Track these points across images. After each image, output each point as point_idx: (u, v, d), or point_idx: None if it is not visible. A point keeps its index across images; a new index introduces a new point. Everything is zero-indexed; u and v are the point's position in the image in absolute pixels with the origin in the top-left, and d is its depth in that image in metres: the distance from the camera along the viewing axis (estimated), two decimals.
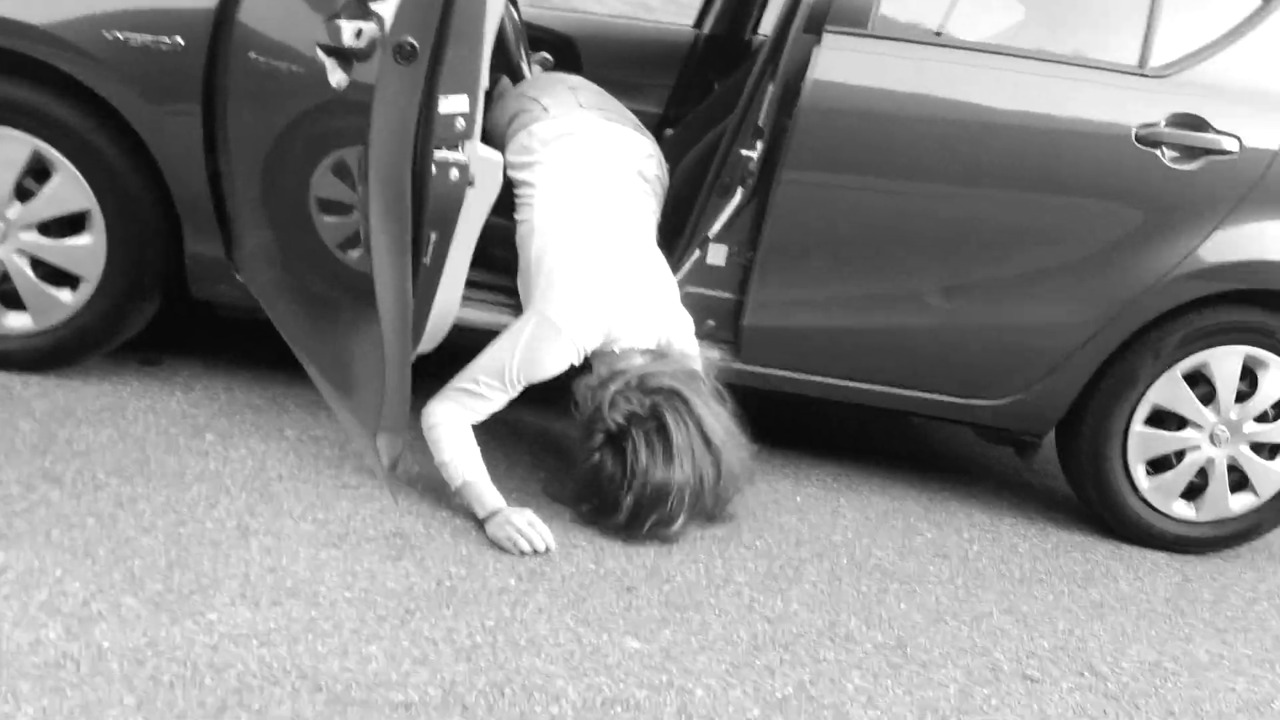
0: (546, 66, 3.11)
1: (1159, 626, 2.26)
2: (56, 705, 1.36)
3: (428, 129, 1.69)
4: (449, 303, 1.86)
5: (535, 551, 1.96)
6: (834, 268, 2.43)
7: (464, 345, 2.16)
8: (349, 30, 1.63)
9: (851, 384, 2.52)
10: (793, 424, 3.07)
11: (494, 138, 2.36)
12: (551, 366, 2.09)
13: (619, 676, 1.67)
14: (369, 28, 1.63)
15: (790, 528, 2.35)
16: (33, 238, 2.22)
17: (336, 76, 1.80)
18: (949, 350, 2.49)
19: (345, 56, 1.72)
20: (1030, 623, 2.15)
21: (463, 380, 2.06)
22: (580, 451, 2.08)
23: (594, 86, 2.59)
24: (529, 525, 1.98)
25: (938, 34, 2.45)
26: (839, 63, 2.28)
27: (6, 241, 2.21)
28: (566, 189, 2.25)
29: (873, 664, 1.86)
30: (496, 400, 2.07)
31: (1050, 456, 2.88)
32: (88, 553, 1.69)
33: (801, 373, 2.50)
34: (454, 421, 2.04)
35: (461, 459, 2.01)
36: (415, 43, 1.56)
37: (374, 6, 1.63)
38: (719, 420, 2.11)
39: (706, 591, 1.99)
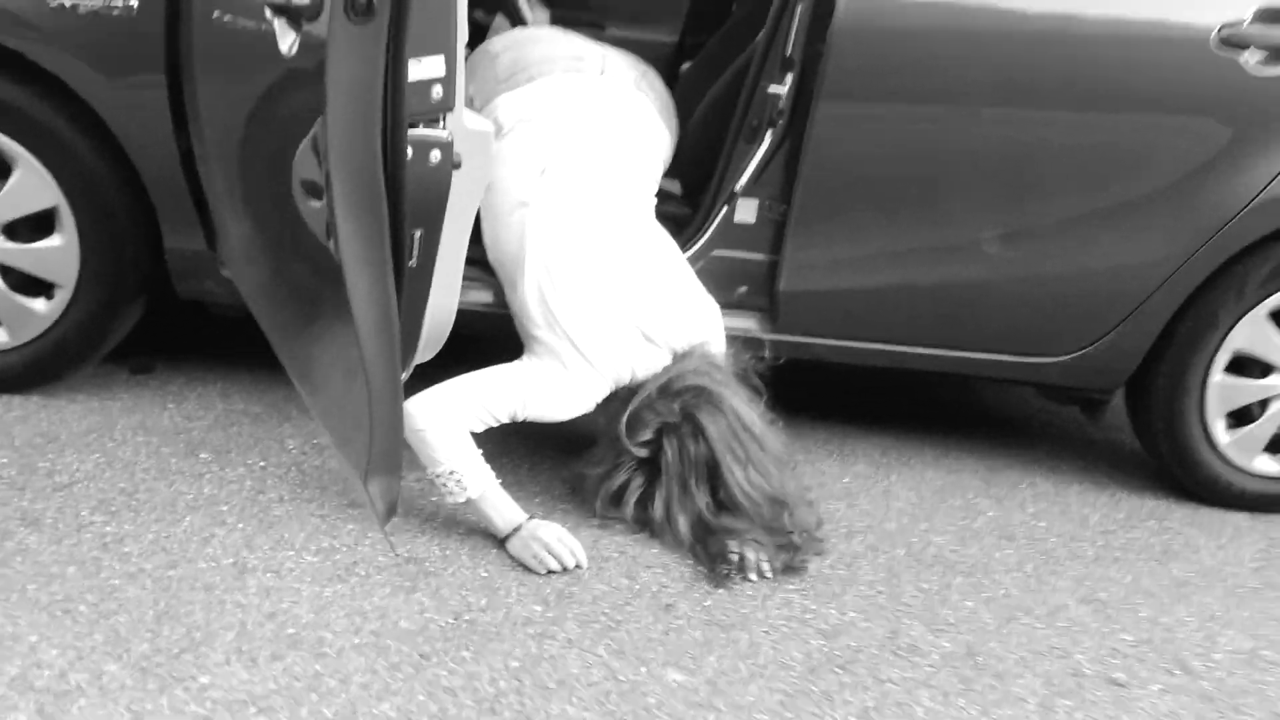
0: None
1: (1249, 606, 2.05)
2: None
3: (397, 102, 1.41)
4: (446, 307, 1.64)
5: (565, 569, 1.78)
6: (880, 218, 2.18)
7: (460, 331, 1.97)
8: None
9: (903, 349, 2.30)
10: (832, 395, 2.85)
11: (517, 70, 2.12)
12: (565, 414, 1.92)
13: (660, 718, 1.50)
14: None
15: (839, 516, 2.15)
16: None
17: (287, 39, 1.55)
18: (1010, 305, 2.25)
19: (294, 15, 1.46)
20: (1110, 613, 1.95)
21: (463, 393, 1.83)
22: (611, 471, 1.90)
23: (628, 55, 2.31)
24: (558, 541, 1.80)
25: None
26: None
27: None
28: (572, 191, 1.99)
29: (941, 680, 1.68)
30: (494, 422, 1.88)
31: (1116, 410, 2.65)
32: (67, 610, 1.54)
33: (846, 339, 2.28)
34: (451, 424, 1.79)
35: (469, 468, 1.79)
36: None
37: None
38: (754, 410, 1.91)
39: (753, 603, 1.81)
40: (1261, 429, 2.38)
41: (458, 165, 1.51)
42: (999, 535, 2.19)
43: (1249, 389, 2.35)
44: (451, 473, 1.77)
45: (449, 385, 1.82)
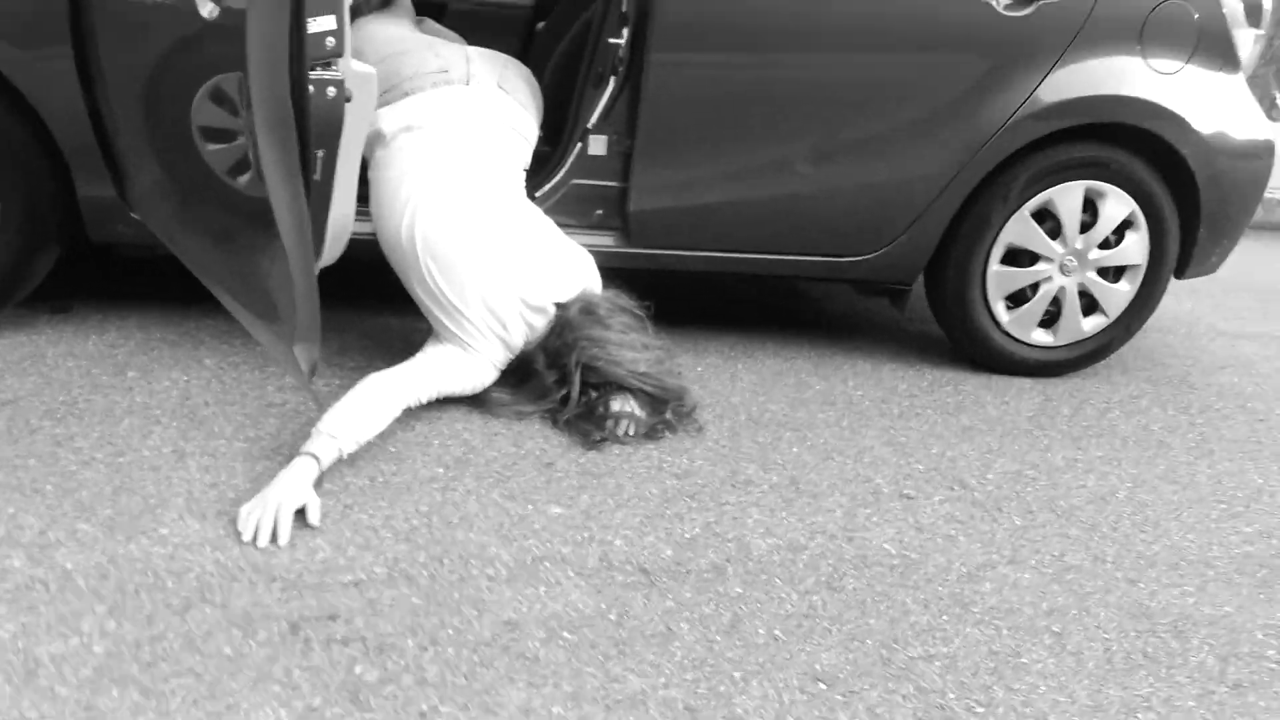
0: None
1: (1021, 441, 2.55)
2: (34, 621, 1.50)
3: (300, 50, 1.76)
4: (344, 215, 1.96)
5: (248, 540, 1.74)
6: (708, 146, 2.58)
7: (360, 258, 2.29)
8: None
9: (735, 255, 2.71)
10: (690, 304, 3.27)
11: (392, 85, 2.40)
12: (475, 385, 2.28)
13: (545, 538, 1.87)
14: None
15: (694, 396, 2.55)
16: None
17: (207, 7, 1.85)
18: (820, 213, 2.69)
19: None
20: (907, 451, 2.42)
21: (410, 378, 2.14)
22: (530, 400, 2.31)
23: (488, 53, 2.61)
24: (278, 509, 1.77)
25: None
26: None
27: None
28: (446, 179, 2.29)
29: (769, 501, 2.10)
30: (420, 404, 2.19)
31: (924, 306, 3.14)
32: (35, 489, 1.81)
33: (688, 250, 2.69)
34: (385, 402, 2.05)
35: (358, 425, 1.96)
36: None
37: None
38: (628, 335, 2.29)
39: (619, 459, 2.20)
40: (1035, 307, 2.89)
41: (349, 99, 1.84)
42: (823, 402, 2.63)
43: (1021, 276, 2.85)
44: (345, 414, 1.96)
45: (394, 375, 2.13)
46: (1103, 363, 3.15)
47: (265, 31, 1.64)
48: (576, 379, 2.25)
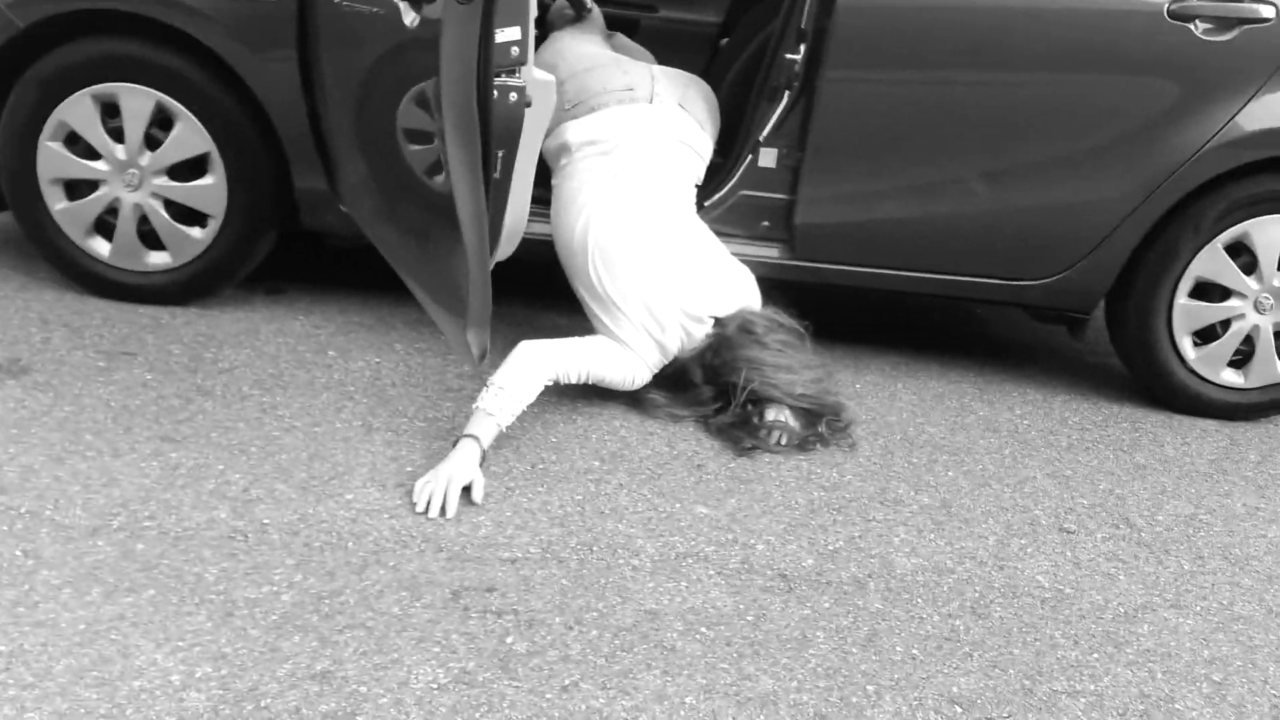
0: None
1: (1199, 485, 2.43)
2: (234, 567, 1.69)
3: (488, 58, 1.89)
4: (519, 212, 2.09)
5: (424, 511, 1.91)
6: (879, 161, 2.58)
7: (533, 259, 2.44)
8: None
9: (903, 273, 2.70)
10: (853, 320, 3.26)
11: (580, 100, 2.54)
12: (624, 379, 2.34)
13: (690, 536, 1.94)
14: None
15: (849, 411, 2.57)
16: (163, 181, 2.53)
17: (409, 17, 2.02)
18: (994, 234, 2.64)
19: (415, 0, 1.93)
20: (1072, 485, 2.35)
21: (552, 350, 2.21)
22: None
23: (673, 73, 2.72)
24: (448, 484, 1.93)
25: None
26: None
27: (142, 187, 2.53)
28: (622, 191, 2.40)
29: (918, 522, 2.10)
30: (570, 380, 2.26)
31: (1104, 337, 3.02)
32: (242, 450, 2.03)
33: (854, 265, 2.69)
34: (535, 362, 2.14)
35: (509, 395, 2.08)
36: None
37: None
38: (785, 355, 2.33)
39: (769, 467, 2.24)
40: (1224, 346, 2.74)
41: (529, 104, 1.97)
42: (985, 429, 2.59)
43: (1210, 311, 2.71)
44: (501, 388, 2.09)
45: (557, 345, 2.24)
46: None
47: (457, 39, 1.78)
48: (737, 397, 2.30)
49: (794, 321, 2.42)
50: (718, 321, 2.37)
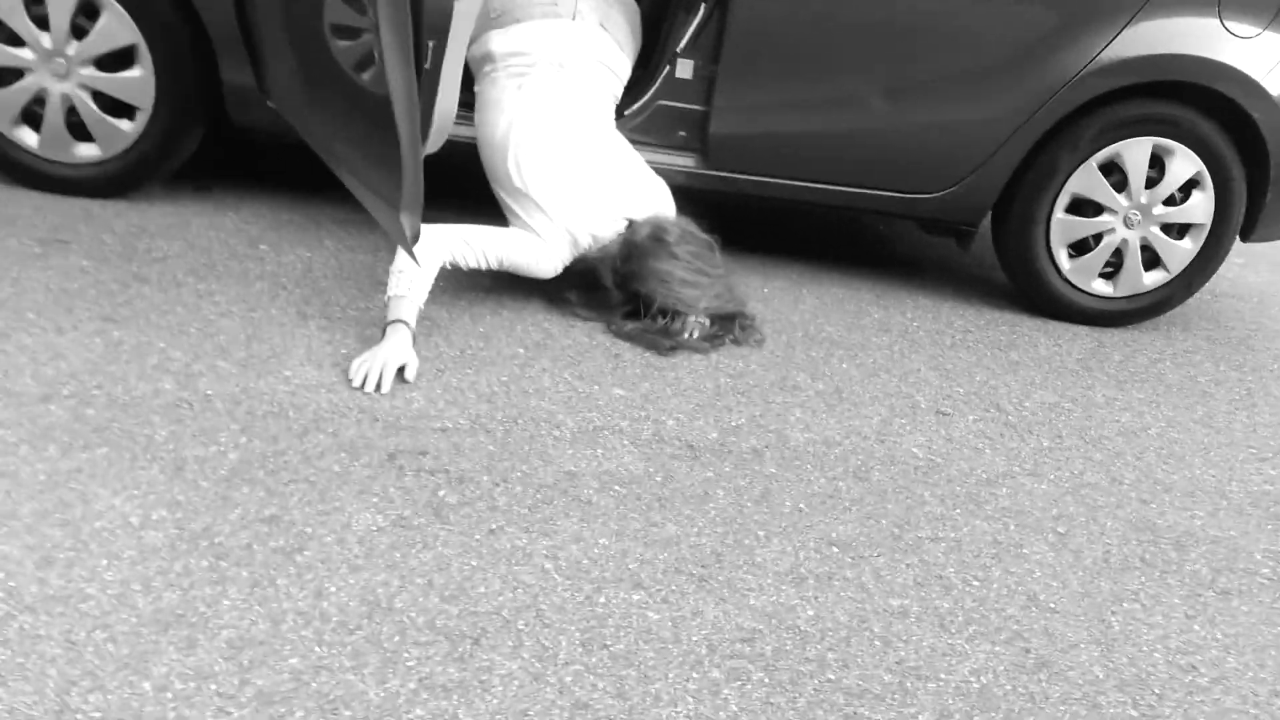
0: None
1: (1065, 378, 2.70)
2: (181, 430, 1.81)
3: None
4: (448, 105, 2.20)
5: (360, 386, 2.05)
6: (787, 75, 2.75)
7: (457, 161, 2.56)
8: None
9: (808, 184, 2.89)
10: (763, 232, 3.46)
11: (504, 10, 2.62)
12: (538, 267, 2.46)
13: (607, 413, 2.12)
14: None
15: (757, 313, 2.76)
16: (90, 72, 2.56)
17: None
18: (891, 148, 2.84)
19: None
20: (952, 376, 2.59)
21: (462, 232, 2.35)
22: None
23: None
24: (383, 367, 2.07)
25: None
26: None
27: (69, 78, 2.56)
28: (543, 100, 2.51)
29: (813, 404, 2.32)
30: (474, 263, 2.38)
31: (990, 252, 3.27)
32: (182, 331, 2.13)
33: (763, 176, 2.87)
34: (433, 244, 2.27)
35: (410, 278, 2.21)
36: None
37: None
38: (693, 265, 2.47)
39: (681, 357, 2.43)
40: (1096, 258, 3.01)
41: None
42: (879, 328, 2.82)
43: (1085, 225, 2.97)
44: (400, 270, 2.22)
45: (456, 227, 2.36)
46: (1163, 318, 3.25)
47: None
48: (648, 311, 2.45)
49: (704, 234, 2.58)
50: (630, 225, 2.50)
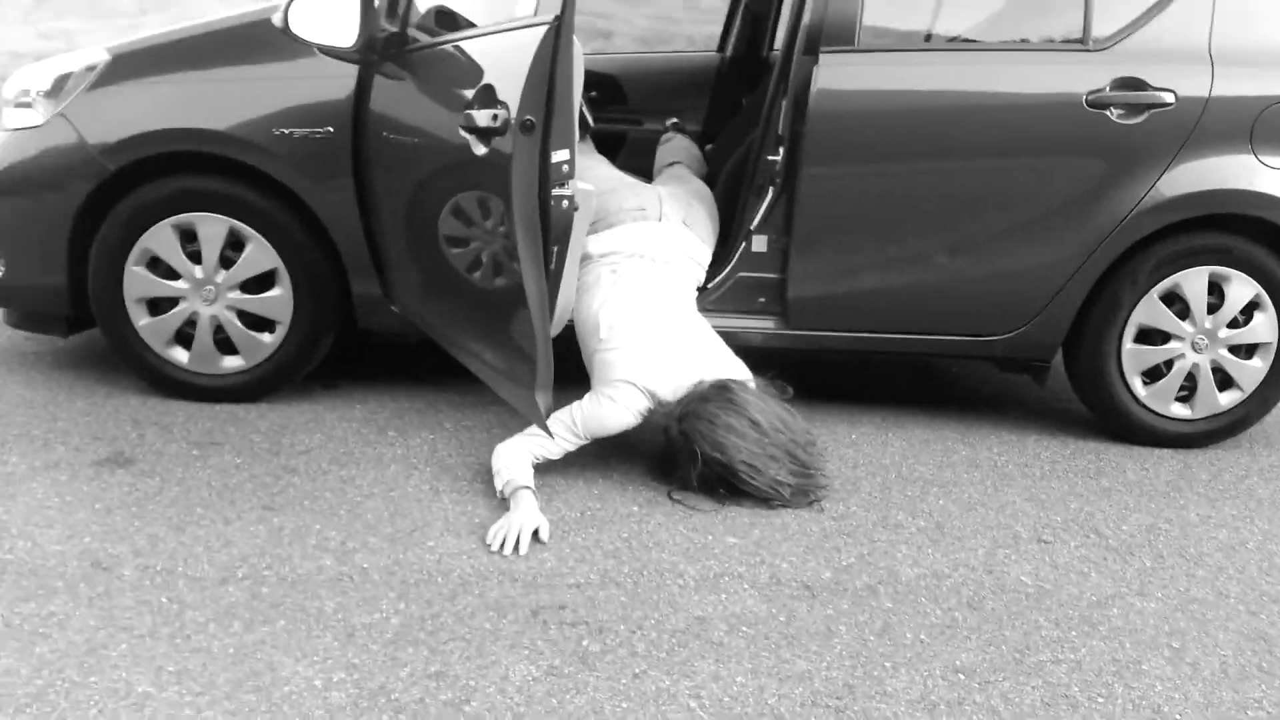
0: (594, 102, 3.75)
1: (1157, 500, 2.78)
2: (347, 601, 2.00)
3: (546, 174, 2.31)
4: (568, 296, 2.48)
5: (495, 550, 2.23)
6: (854, 240, 3.00)
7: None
8: (484, 115, 2.26)
9: (884, 335, 3.09)
10: (846, 383, 3.64)
11: (600, 218, 2.93)
12: (615, 425, 2.57)
13: (724, 560, 2.26)
14: (500, 112, 2.26)
15: (847, 457, 2.92)
16: (236, 295, 2.91)
17: (479, 149, 2.43)
18: (959, 297, 3.04)
19: (486, 134, 2.34)
20: (1047, 506, 2.69)
21: (525, 441, 2.54)
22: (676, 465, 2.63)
23: (679, 193, 3.13)
24: (520, 528, 2.27)
25: (926, 38, 3.05)
26: (835, 76, 2.88)
27: (217, 301, 2.90)
28: (634, 286, 2.78)
29: (917, 540, 2.43)
30: (563, 445, 2.56)
31: (1066, 383, 3.40)
32: (333, 513, 2.35)
33: (841, 331, 3.08)
34: (514, 450, 2.50)
35: (511, 469, 2.44)
36: (533, 119, 2.19)
37: (500, 97, 2.27)
38: (767, 405, 2.59)
39: (783, 507, 2.58)
40: (1170, 383, 3.12)
41: (576, 209, 2.38)
42: (969, 465, 2.94)
43: (1155, 353, 3.10)
44: (501, 470, 2.44)
45: (511, 440, 2.56)
46: (1244, 435, 3.31)
47: (523, 161, 2.20)
48: (695, 467, 2.50)
49: (781, 396, 2.66)
50: (700, 381, 2.60)
